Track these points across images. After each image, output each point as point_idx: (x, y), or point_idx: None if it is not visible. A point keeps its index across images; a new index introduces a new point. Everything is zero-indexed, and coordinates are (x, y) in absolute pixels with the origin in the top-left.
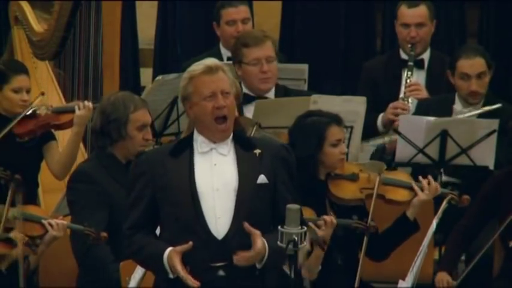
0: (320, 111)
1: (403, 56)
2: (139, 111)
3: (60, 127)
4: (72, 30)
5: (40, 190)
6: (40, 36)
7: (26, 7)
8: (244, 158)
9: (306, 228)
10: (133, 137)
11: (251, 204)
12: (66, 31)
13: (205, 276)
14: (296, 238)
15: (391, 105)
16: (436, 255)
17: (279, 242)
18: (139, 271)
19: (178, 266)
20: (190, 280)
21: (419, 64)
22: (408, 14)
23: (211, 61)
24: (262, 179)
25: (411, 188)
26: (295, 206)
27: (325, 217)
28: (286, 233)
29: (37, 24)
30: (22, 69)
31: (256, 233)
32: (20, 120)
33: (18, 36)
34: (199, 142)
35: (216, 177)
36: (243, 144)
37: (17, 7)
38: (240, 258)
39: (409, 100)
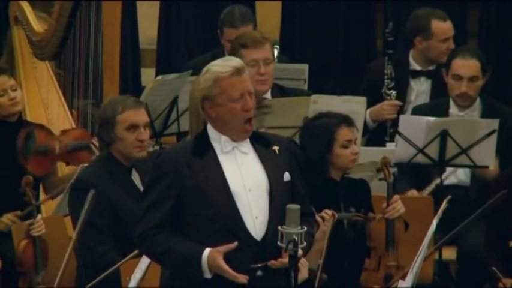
0: (330, 112)
1: (413, 66)
2: (127, 112)
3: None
4: (72, 30)
5: (40, 190)
6: (40, 36)
7: (26, 7)
8: (266, 156)
9: (305, 228)
10: (124, 138)
11: (283, 203)
12: (66, 31)
13: None
14: (296, 238)
15: (384, 108)
16: (436, 255)
17: (279, 242)
18: (139, 271)
19: (225, 266)
20: (240, 277)
21: (430, 74)
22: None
23: (236, 61)
24: (287, 176)
25: None
26: (295, 206)
27: (326, 211)
28: (286, 233)
29: (37, 24)
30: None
31: None
32: (34, 159)
33: (18, 36)
34: (223, 142)
35: (246, 178)
36: (259, 141)
37: (17, 7)
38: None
39: (393, 93)
